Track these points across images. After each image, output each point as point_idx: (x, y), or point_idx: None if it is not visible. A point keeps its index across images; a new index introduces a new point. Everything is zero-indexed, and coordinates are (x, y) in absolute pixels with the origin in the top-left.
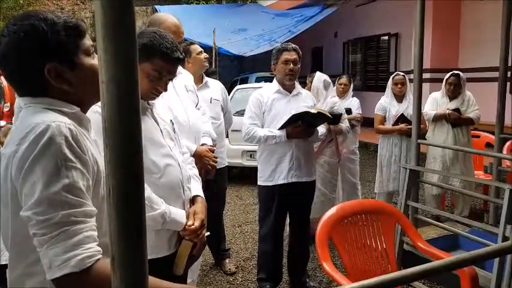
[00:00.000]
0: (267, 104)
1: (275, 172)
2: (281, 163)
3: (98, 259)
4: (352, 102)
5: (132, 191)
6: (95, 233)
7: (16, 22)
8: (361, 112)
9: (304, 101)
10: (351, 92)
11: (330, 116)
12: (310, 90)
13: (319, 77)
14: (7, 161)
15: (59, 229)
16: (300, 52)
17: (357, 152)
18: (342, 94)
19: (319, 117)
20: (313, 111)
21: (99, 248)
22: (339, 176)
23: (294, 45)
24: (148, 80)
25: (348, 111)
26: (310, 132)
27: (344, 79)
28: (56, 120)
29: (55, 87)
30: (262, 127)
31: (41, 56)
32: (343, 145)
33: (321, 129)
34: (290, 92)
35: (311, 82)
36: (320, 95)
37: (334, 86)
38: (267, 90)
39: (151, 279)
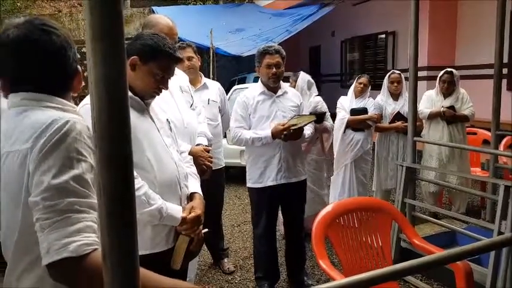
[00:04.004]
0: (252, 106)
1: (264, 174)
2: (270, 165)
3: (96, 249)
4: (369, 102)
5: (121, 190)
6: (96, 226)
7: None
8: (377, 112)
9: (290, 100)
10: (368, 93)
11: (302, 126)
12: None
13: (304, 77)
14: (22, 158)
15: (62, 215)
16: (284, 53)
17: (371, 152)
18: (359, 93)
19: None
20: (295, 121)
21: (97, 240)
22: (354, 177)
23: (276, 47)
24: (154, 79)
25: (364, 110)
26: (296, 136)
27: (363, 79)
28: (72, 118)
29: (63, 87)
30: (250, 129)
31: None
32: (328, 142)
33: (307, 131)
34: (275, 93)
35: (295, 81)
36: (304, 94)
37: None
38: (252, 92)
39: (144, 272)
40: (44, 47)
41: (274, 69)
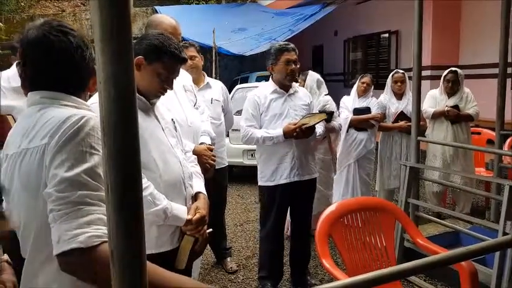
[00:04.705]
0: (264, 105)
1: (276, 172)
2: (282, 162)
3: (105, 241)
4: (372, 102)
5: (129, 189)
6: (106, 218)
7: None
8: (380, 112)
9: (301, 99)
10: (371, 92)
11: (314, 125)
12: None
13: (313, 76)
14: (40, 154)
15: (74, 207)
16: (297, 52)
17: (374, 151)
18: (362, 93)
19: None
20: (306, 120)
21: (107, 232)
22: (357, 177)
23: (292, 45)
24: (159, 79)
25: (367, 110)
26: (308, 134)
27: (366, 78)
28: (87, 114)
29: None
30: (260, 128)
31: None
32: (336, 142)
33: (318, 129)
34: (287, 91)
35: (304, 80)
36: (313, 93)
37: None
38: (263, 91)
39: (153, 267)
40: (60, 46)
41: (292, 66)
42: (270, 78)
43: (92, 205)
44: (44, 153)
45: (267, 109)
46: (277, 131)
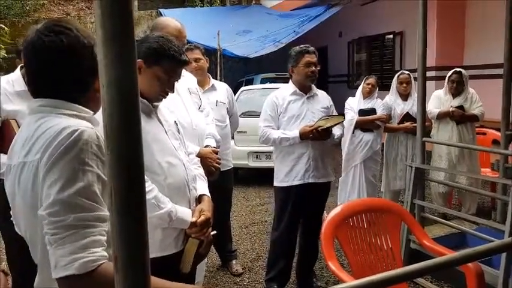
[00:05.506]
0: (283, 106)
1: (291, 173)
2: (297, 164)
3: (102, 263)
4: (377, 103)
5: (133, 193)
6: (104, 238)
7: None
8: (386, 113)
9: (320, 102)
10: (376, 94)
11: (330, 127)
12: None
13: None
14: (34, 170)
15: (69, 231)
16: (317, 54)
17: (380, 152)
18: (367, 94)
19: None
20: (323, 122)
21: (104, 254)
22: (363, 178)
23: (312, 48)
24: (159, 83)
25: (373, 111)
26: (324, 135)
27: (371, 80)
28: (81, 126)
29: (78, 93)
30: (278, 129)
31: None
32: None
33: (337, 132)
34: (306, 94)
35: None
36: None
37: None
38: (283, 92)
39: (154, 280)
40: (50, 46)
41: (313, 67)
42: (290, 80)
43: (88, 227)
44: (38, 169)
45: (285, 110)
46: (293, 132)
